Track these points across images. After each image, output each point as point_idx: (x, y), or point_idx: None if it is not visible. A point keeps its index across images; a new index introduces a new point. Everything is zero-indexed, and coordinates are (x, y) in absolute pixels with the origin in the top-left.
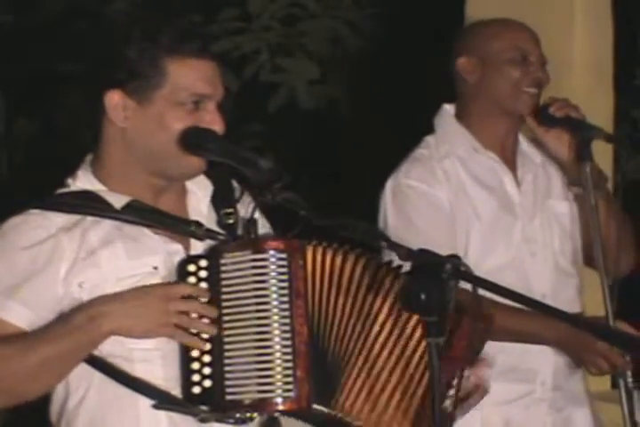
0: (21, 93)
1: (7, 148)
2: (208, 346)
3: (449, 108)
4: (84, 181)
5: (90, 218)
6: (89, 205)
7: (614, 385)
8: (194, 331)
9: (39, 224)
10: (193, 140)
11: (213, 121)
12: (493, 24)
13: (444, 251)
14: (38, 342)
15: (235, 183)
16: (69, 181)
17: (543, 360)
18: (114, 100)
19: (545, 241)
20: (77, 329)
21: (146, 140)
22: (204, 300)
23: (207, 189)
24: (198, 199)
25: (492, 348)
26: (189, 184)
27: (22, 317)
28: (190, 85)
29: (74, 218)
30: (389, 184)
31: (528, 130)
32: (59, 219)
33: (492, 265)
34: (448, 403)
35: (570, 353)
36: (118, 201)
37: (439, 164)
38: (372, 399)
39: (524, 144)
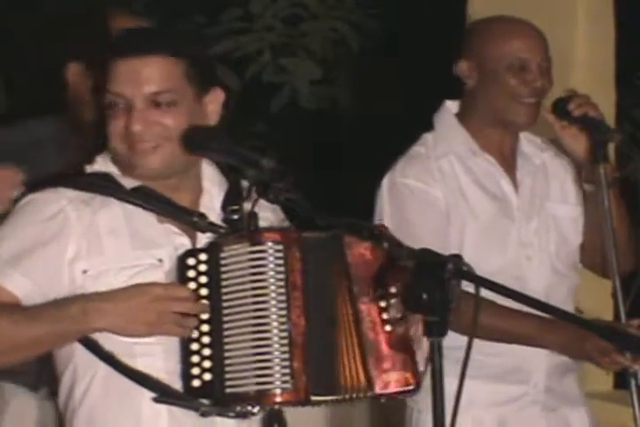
0: (25, 93)
1: None
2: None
3: (450, 105)
4: (100, 164)
5: (99, 199)
6: (100, 183)
7: (617, 385)
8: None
9: (52, 199)
10: (195, 139)
11: (129, 123)
12: (494, 26)
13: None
14: (32, 321)
15: (244, 183)
16: (87, 167)
17: (537, 362)
18: None
19: (541, 244)
20: (70, 319)
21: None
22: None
23: (222, 188)
24: (212, 197)
25: (486, 351)
26: (207, 184)
27: (20, 286)
28: (109, 87)
29: (85, 195)
30: (385, 182)
31: (546, 124)
32: (70, 193)
33: (486, 269)
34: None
35: (575, 354)
36: (129, 184)
37: (436, 162)
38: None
39: (525, 144)
